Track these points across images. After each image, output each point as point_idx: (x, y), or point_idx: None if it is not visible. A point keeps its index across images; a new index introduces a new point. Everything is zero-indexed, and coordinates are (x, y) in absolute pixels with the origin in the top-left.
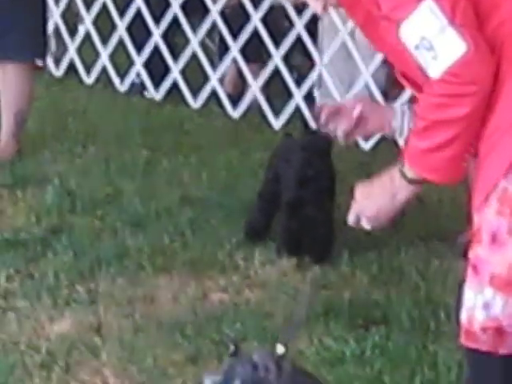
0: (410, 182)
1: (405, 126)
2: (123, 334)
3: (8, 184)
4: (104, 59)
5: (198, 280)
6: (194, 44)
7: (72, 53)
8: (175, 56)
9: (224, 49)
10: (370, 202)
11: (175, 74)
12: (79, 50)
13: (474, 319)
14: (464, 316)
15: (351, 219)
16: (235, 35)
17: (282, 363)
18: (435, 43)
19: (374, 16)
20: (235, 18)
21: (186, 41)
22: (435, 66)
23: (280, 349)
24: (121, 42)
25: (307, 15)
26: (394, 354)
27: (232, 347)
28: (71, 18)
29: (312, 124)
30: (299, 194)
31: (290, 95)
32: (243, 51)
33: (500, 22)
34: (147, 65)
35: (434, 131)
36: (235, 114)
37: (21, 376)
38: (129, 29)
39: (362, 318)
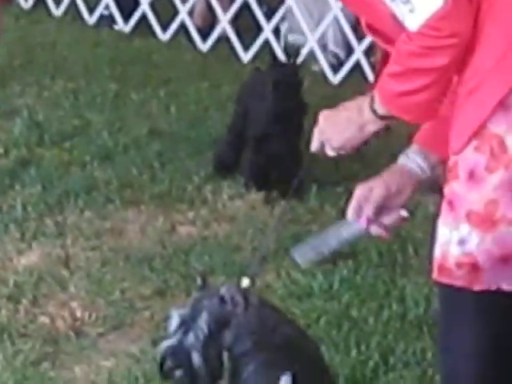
0: (381, 118)
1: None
2: (91, 267)
3: None
4: None
5: (166, 213)
6: None
7: None
8: None
9: None
10: (337, 132)
11: (144, 6)
12: None
13: (448, 254)
14: (438, 251)
15: (315, 146)
16: None
17: (249, 296)
18: None
19: None
20: None
21: None
22: (412, 18)
23: (245, 282)
24: None
25: None
26: (361, 288)
27: (199, 280)
28: None
29: (281, 56)
30: (267, 128)
31: (259, 29)
32: None
33: None
34: None
35: (411, 77)
36: (204, 47)
37: None
38: None
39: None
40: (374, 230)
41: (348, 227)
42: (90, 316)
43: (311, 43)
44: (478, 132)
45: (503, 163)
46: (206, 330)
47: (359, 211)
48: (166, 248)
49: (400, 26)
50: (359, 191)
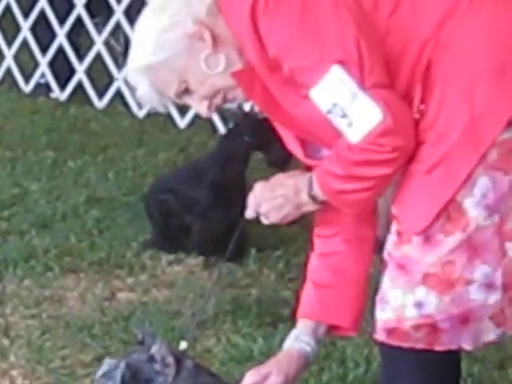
0: (320, 203)
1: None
2: (31, 335)
3: None
4: (8, 60)
5: (105, 280)
6: (99, 44)
7: None
8: (80, 56)
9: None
10: (274, 209)
11: (80, 74)
12: None
13: (403, 318)
14: (390, 315)
15: (250, 215)
16: None
17: (184, 359)
18: (348, 111)
19: (274, 90)
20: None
21: (91, 41)
22: (351, 132)
23: (183, 345)
24: (25, 43)
25: None
26: None
27: (140, 337)
28: None
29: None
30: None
31: None
32: None
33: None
34: (52, 65)
35: (352, 181)
36: (141, 113)
37: None
38: (33, 29)
39: (270, 316)
40: None
41: None
42: None
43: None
44: (446, 207)
45: (460, 226)
46: (118, 381)
47: None
48: (105, 315)
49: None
50: (250, 378)
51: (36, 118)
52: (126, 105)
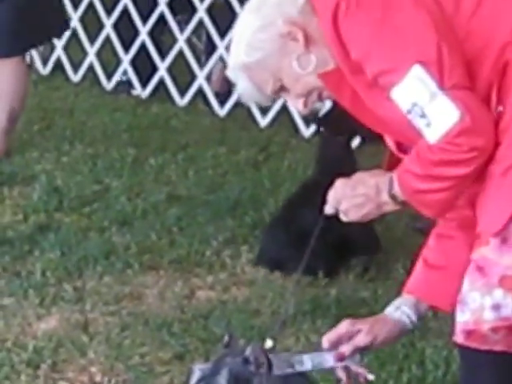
0: (400, 203)
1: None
2: (110, 332)
3: None
4: (91, 57)
5: (185, 278)
6: (181, 42)
7: (59, 51)
8: (162, 54)
9: (211, 47)
10: (354, 207)
11: (162, 71)
12: (66, 48)
13: (482, 320)
14: (468, 317)
15: (330, 211)
16: (222, 33)
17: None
18: (427, 111)
19: (360, 92)
20: (222, 16)
21: (173, 39)
22: (430, 132)
23: (269, 343)
24: (108, 40)
25: None
26: (380, 352)
27: (226, 338)
28: None
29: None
30: None
31: None
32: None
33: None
34: (134, 63)
35: (432, 180)
36: (222, 112)
37: (8, 374)
38: (115, 26)
39: (349, 316)
40: (340, 372)
41: (318, 355)
42: (109, 381)
43: None
44: None
45: None
46: None
47: (335, 344)
48: (184, 312)
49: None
50: (345, 326)
51: (117, 115)
52: (207, 103)
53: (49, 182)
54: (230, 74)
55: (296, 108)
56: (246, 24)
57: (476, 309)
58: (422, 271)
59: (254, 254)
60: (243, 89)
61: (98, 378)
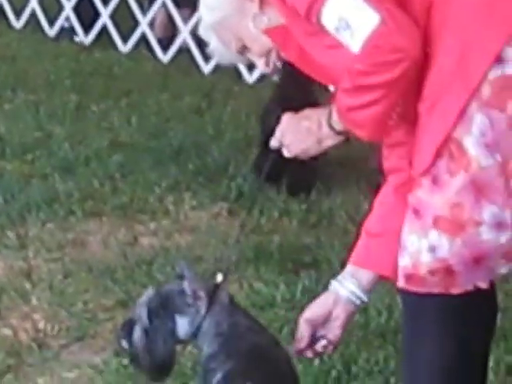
0: (338, 133)
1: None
2: (53, 279)
3: None
4: (33, 3)
5: (128, 225)
6: None
7: None
8: (105, 0)
9: None
10: (296, 140)
11: (105, 18)
12: None
13: (419, 263)
14: (407, 260)
15: (274, 145)
16: None
17: (219, 293)
18: (351, 21)
19: (303, 43)
20: None
21: None
22: (354, 42)
23: (219, 277)
24: None
25: None
26: None
27: (179, 269)
28: None
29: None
30: None
31: None
32: None
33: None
34: (77, 9)
35: (360, 93)
36: (165, 58)
37: None
38: None
39: (292, 262)
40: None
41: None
42: (52, 328)
43: None
44: (444, 144)
45: (463, 166)
46: (144, 304)
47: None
48: (128, 259)
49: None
50: (306, 329)
51: (60, 61)
52: (150, 49)
53: None
54: (202, 33)
55: (259, 68)
56: None
57: (414, 252)
58: (362, 241)
59: (197, 200)
60: (214, 48)
61: (41, 325)
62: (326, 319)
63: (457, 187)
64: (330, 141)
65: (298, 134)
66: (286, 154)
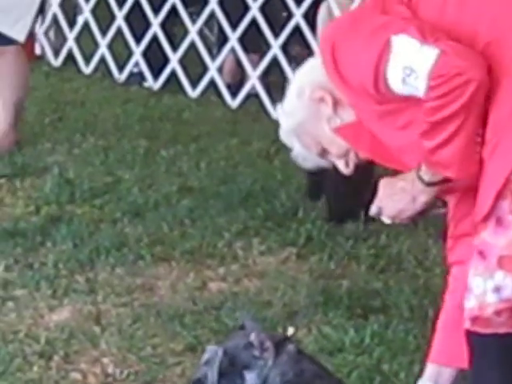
0: (428, 184)
1: None
2: (122, 324)
3: (7, 174)
4: (103, 49)
5: (196, 269)
6: (193, 33)
7: (71, 42)
8: (174, 46)
9: (223, 38)
10: (391, 202)
11: (174, 63)
12: (78, 40)
13: (485, 304)
14: (473, 303)
15: (373, 211)
16: (234, 25)
17: (286, 344)
18: (414, 65)
19: (375, 129)
20: (234, 8)
21: (185, 30)
22: (420, 82)
23: (290, 330)
24: (119, 32)
25: (306, 4)
26: (392, 343)
27: (241, 321)
28: (70, 8)
29: None
30: None
31: (288, 84)
32: (242, 41)
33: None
34: (146, 54)
35: (438, 129)
36: (234, 103)
37: (20, 365)
38: (127, 18)
39: (361, 307)
40: None
41: None
42: (121, 372)
43: None
44: (506, 185)
45: None
46: (216, 367)
47: None
48: (196, 304)
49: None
50: None
51: (129, 106)
52: (219, 94)
53: (61, 174)
54: (283, 139)
55: (341, 169)
56: (287, 94)
57: (479, 294)
58: (437, 336)
59: (266, 245)
60: (297, 152)
61: (110, 370)
62: None
63: None
64: (424, 196)
65: (394, 196)
66: (385, 219)
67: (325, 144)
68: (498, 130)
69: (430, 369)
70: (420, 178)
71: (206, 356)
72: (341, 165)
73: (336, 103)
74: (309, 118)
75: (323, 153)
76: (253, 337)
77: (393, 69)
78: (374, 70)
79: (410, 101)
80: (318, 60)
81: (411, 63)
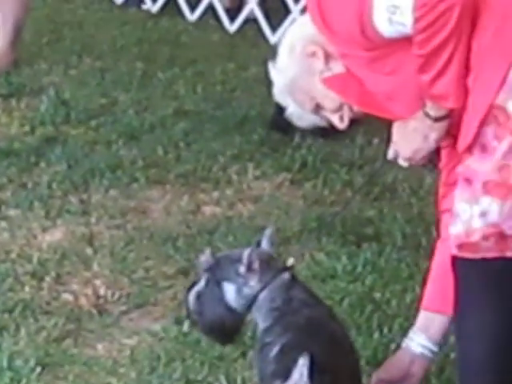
0: (436, 120)
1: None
2: (115, 246)
3: (3, 94)
4: None
5: (190, 193)
6: None
7: None
8: None
9: None
10: (405, 143)
11: None
12: None
13: (472, 230)
14: (460, 228)
15: (390, 155)
16: None
17: (283, 272)
18: (396, 1)
19: (363, 75)
20: None
21: None
22: (406, 17)
23: (290, 261)
24: None
25: None
26: (385, 271)
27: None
28: None
29: None
30: None
31: (287, 10)
32: None
33: None
34: None
35: (432, 60)
36: (232, 27)
37: (12, 285)
38: None
39: (354, 234)
40: None
41: None
42: (113, 294)
43: None
44: (488, 112)
45: (509, 130)
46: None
47: None
48: (190, 228)
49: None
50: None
51: (127, 29)
52: (217, 18)
53: (57, 95)
54: (278, 98)
55: (336, 124)
56: (279, 52)
57: (466, 220)
58: (429, 284)
59: (261, 170)
60: (291, 111)
61: (101, 291)
62: (402, 378)
63: (504, 150)
64: (434, 133)
65: (406, 137)
66: (402, 162)
67: (318, 99)
68: (480, 56)
69: (422, 317)
70: (427, 115)
71: (201, 260)
72: (336, 120)
73: (327, 57)
74: (301, 73)
75: (317, 109)
76: (245, 253)
77: (377, 11)
78: (359, 16)
79: (397, 44)
80: (307, 17)
81: (393, 0)
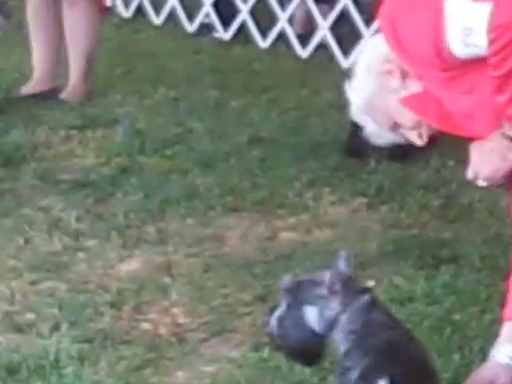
0: None
1: None
2: (192, 274)
3: (78, 125)
4: (173, 0)
5: (267, 220)
6: None
7: None
8: None
9: None
10: (483, 163)
11: (244, 14)
12: None
13: None
14: None
15: (470, 175)
16: None
17: (363, 294)
18: (470, 24)
19: (442, 94)
20: None
21: None
22: (480, 39)
23: (370, 283)
24: None
25: None
26: (463, 293)
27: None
28: None
29: None
30: None
31: (359, 35)
32: None
33: None
34: (216, 5)
35: (508, 81)
36: (304, 53)
37: (91, 315)
38: None
39: (432, 257)
40: None
41: None
42: (191, 322)
43: None
44: None
45: None
46: (283, 296)
47: None
48: (267, 254)
49: None
50: None
51: (199, 57)
52: (289, 45)
53: (131, 125)
54: (356, 118)
55: (414, 142)
56: (355, 70)
57: None
58: (510, 294)
59: (337, 195)
60: (370, 130)
61: (180, 320)
62: None
63: None
64: None
65: (484, 157)
66: (480, 183)
67: (395, 117)
68: None
69: (507, 327)
70: (504, 135)
71: (283, 285)
72: (414, 137)
73: (403, 75)
74: (377, 91)
75: (395, 127)
76: (327, 275)
77: (451, 34)
78: (434, 39)
79: (472, 64)
80: (380, 37)
81: (467, 23)
